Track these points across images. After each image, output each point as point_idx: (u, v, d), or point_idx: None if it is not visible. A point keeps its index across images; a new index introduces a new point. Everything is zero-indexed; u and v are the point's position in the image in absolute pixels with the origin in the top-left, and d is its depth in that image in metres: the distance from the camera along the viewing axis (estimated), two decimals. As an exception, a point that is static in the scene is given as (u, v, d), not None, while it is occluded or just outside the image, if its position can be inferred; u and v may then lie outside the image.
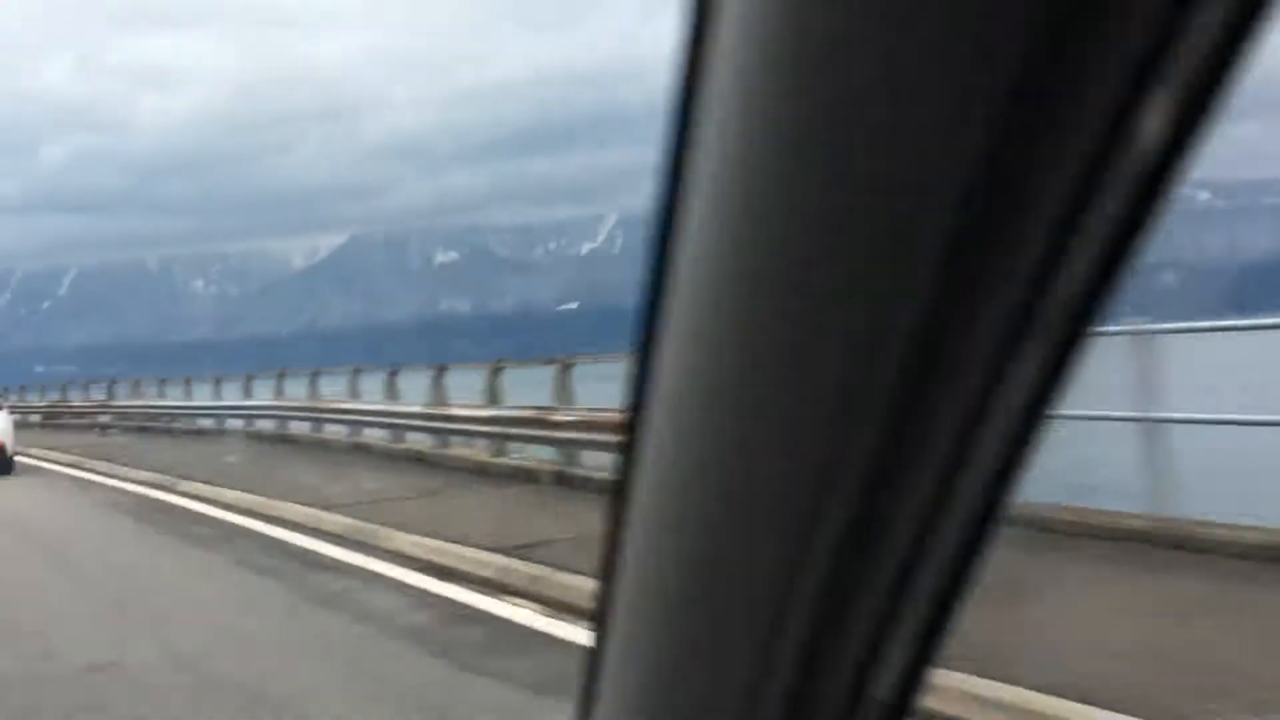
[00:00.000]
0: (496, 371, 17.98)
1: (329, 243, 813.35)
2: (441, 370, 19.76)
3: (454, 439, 17.69)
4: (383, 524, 11.98)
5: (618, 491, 0.75)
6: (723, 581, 0.67)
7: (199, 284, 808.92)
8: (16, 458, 21.37)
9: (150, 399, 35.31)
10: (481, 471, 16.11)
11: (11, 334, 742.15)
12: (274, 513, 13.76)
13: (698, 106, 0.55)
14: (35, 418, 40.82)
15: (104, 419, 35.86)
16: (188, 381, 34.72)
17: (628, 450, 0.72)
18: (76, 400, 41.19)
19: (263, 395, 28.59)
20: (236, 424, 28.36)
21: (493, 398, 17.69)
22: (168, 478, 18.00)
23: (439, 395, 19.17)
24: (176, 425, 30.97)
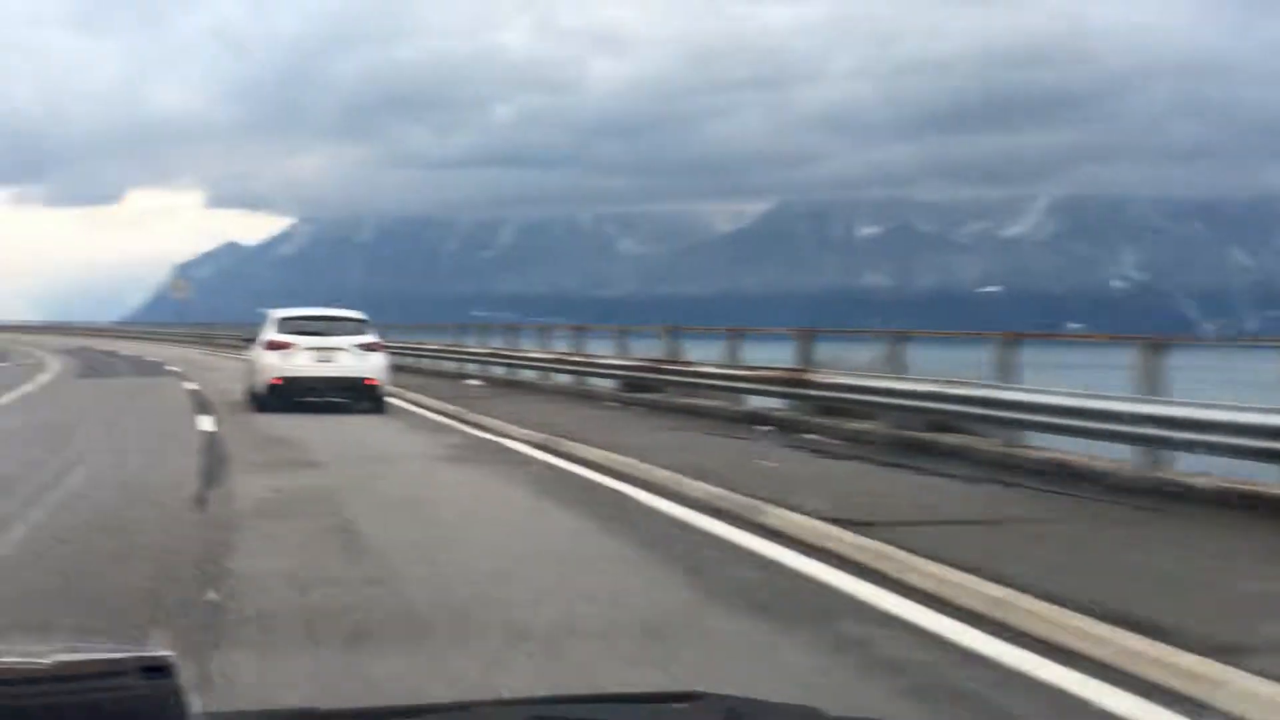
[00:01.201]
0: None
1: (754, 209, 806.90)
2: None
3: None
4: None
5: None
6: None
7: (627, 242, 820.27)
8: None
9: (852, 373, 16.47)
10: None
11: (455, 278, 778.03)
12: None
13: None
14: (599, 382, 25.16)
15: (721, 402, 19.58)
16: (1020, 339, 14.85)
17: None
18: (695, 361, 21.82)
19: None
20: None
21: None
22: None
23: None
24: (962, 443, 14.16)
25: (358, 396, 22.14)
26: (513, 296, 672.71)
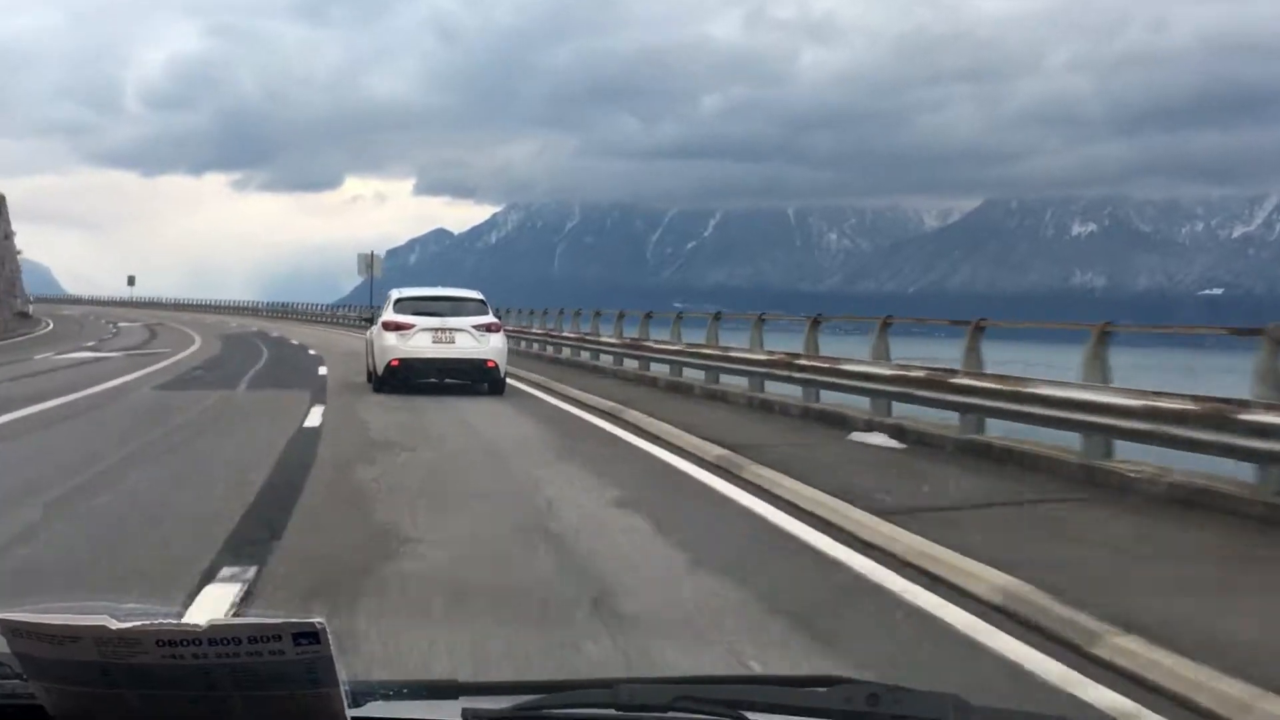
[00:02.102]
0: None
1: (963, 205, 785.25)
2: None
3: None
4: None
5: None
6: None
7: (832, 236, 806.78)
8: None
9: None
10: None
11: (659, 269, 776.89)
12: None
13: None
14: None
15: None
16: None
17: None
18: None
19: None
20: None
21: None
22: None
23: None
24: None
25: (477, 379, 21.26)
26: (716, 288, 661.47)
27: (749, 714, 1.73)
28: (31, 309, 74.89)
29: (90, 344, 40.16)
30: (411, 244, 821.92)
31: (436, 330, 20.94)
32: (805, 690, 1.91)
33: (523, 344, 32.99)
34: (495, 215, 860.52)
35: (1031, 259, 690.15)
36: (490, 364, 21.01)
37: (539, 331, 33.75)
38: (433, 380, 21.01)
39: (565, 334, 31.33)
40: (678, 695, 1.74)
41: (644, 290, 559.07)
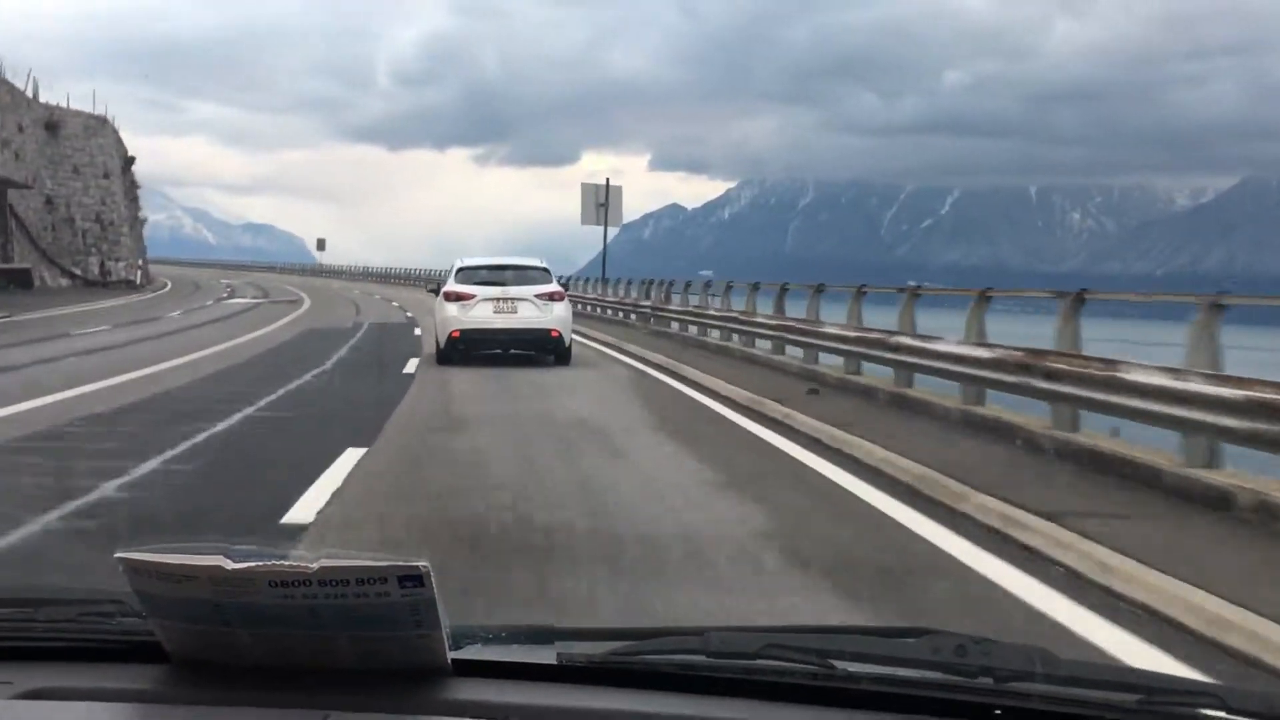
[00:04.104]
0: None
1: (1218, 184, 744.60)
2: None
3: None
4: None
5: None
6: None
7: (1075, 216, 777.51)
8: None
9: None
10: None
11: (893, 246, 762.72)
12: None
13: None
14: None
15: None
16: None
17: None
18: None
19: None
20: None
21: None
22: None
23: None
24: None
25: (540, 349, 21.02)
26: (949, 267, 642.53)
27: (837, 662, 1.79)
28: (138, 275, 72.33)
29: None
30: (645, 219, 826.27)
31: (498, 300, 20.88)
32: (894, 640, 1.96)
33: (692, 329, 26.57)
34: (729, 191, 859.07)
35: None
36: (554, 333, 20.96)
37: (717, 315, 25.51)
38: (496, 351, 20.76)
39: (760, 318, 22.43)
40: (767, 643, 1.82)
41: (876, 268, 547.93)
